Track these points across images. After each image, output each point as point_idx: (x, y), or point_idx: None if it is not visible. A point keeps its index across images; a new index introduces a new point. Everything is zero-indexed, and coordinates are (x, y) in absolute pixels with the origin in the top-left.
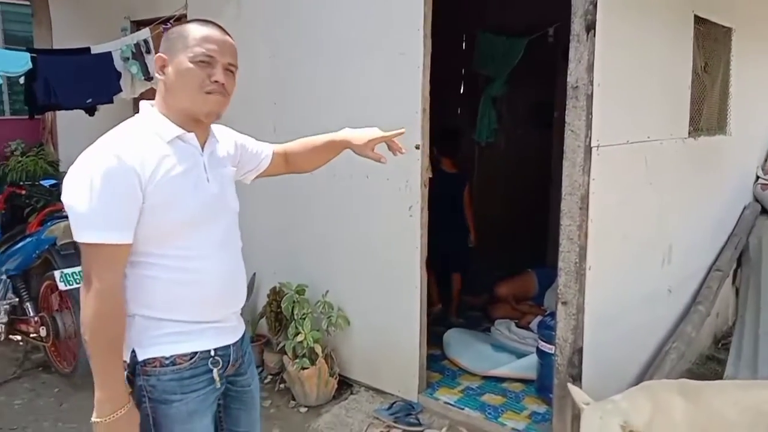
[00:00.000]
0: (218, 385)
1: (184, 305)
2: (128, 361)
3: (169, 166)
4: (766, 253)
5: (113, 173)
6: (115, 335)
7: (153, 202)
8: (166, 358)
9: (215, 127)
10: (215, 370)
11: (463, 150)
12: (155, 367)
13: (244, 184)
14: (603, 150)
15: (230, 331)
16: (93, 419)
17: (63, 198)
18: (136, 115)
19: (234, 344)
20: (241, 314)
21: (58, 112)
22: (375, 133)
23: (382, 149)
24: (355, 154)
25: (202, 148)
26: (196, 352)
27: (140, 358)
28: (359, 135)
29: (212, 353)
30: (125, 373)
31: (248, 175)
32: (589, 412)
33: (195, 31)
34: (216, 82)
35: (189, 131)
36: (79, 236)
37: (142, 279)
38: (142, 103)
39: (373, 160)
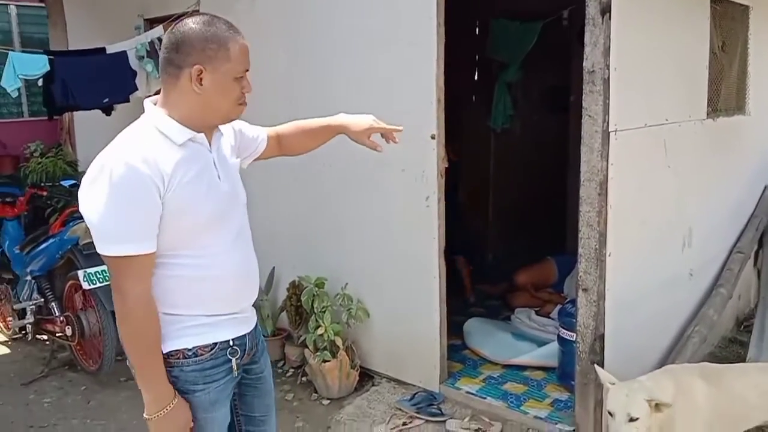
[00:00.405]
0: (235, 374)
1: (204, 301)
2: None
3: (183, 170)
4: None
5: (132, 184)
6: (153, 340)
7: (171, 208)
8: (189, 350)
9: None
10: (233, 360)
11: (479, 136)
12: (178, 359)
13: (260, 178)
14: (621, 134)
15: (245, 321)
16: (144, 416)
17: (82, 210)
18: (143, 116)
19: (249, 333)
20: (262, 308)
21: (75, 113)
22: (370, 120)
23: (376, 138)
24: (351, 140)
25: (210, 145)
26: (216, 343)
27: (164, 350)
28: (356, 121)
29: (231, 343)
30: None
31: (246, 161)
32: (616, 390)
33: (237, 43)
34: (245, 93)
35: (199, 131)
36: (105, 249)
37: (163, 279)
38: (147, 103)
39: (368, 147)
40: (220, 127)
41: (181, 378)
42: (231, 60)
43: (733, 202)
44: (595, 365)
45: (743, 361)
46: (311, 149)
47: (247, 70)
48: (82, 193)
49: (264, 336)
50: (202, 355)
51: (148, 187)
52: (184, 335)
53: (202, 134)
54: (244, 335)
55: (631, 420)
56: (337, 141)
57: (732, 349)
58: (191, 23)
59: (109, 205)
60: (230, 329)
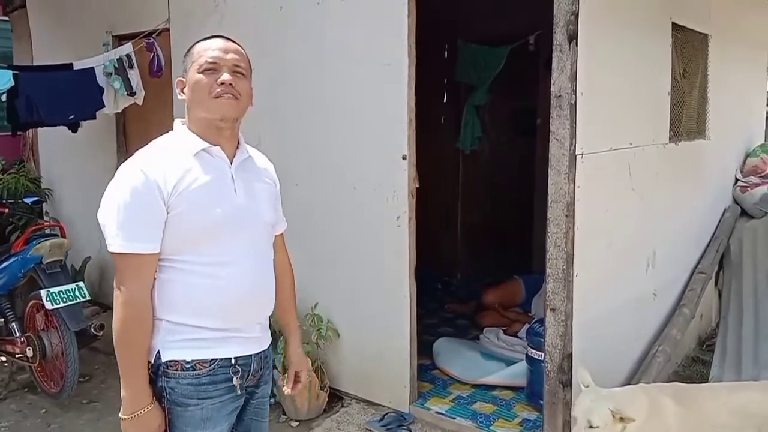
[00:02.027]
0: (239, 392)
1: (204, 311)
2: (152, 361)
3: (192, 178)
4: (747, 254)
5: (139, 188)
6: (141, 341)
7: (176, 212)
8: (187, 363)
9: (257, 154)
10: (235, 378)
11: (448, 158)
12: (176, 370)
13: None
14: (587, 157)
15: (253, 341)
16: (120, 415)
17: (98, 211)
18: (170, 131)
19: (257, 355)
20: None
21: (39, 129)
22: (300, 368)
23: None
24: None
25: (231, 161)
26: (215, 359)
27: (163, 359)
28: (296, 357)
29: (233, 361)
30: (149, 373)
31: None
32: (583, 394)
33: (199, 45)
34: (222, 83)
35: (215, 144)
36: (109, 246)
37: (166, 283)
38: (175, 121)
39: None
40: (258, 158)
41: (177, 390)
42: (193, 58)
43: (695, 224)
44: (579, 367)
45: (706, 379)
46: None
47: (215, 63)
48: (104, 195)
49: None
50: (200, 369)
51: (153, 191)
52: (184, 347)
53: (218, 148)
54: (250, 356)
55: (591, 427)
56: (308, 160)
57: (695, 368)
58: None
59: (117, 204)
60: (234, 347)
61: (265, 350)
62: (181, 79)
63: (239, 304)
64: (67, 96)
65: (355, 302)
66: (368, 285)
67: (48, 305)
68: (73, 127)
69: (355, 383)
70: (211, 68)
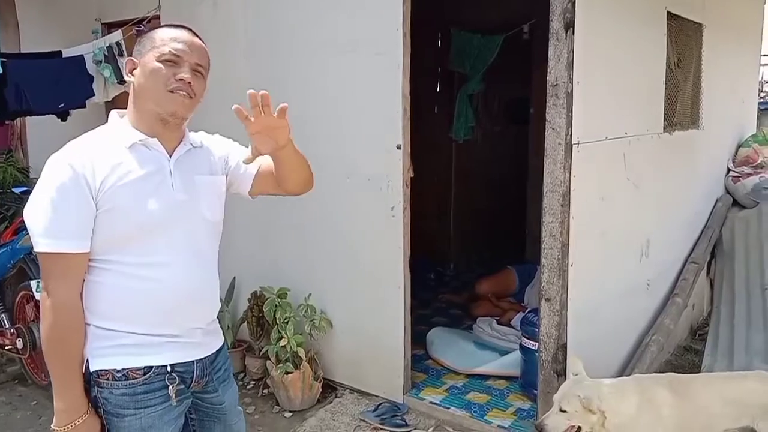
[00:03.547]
0: (174, 402)
1: (137, 315)
2: (83, 370)
3: (123, 172)
4: (739, 244)
5: (65, 183)
6: (72, 347)
7: (106, 209)
8: (118, 371)
9: (201, 135)
10: (171, 387)
11: (441, 147)
12: (107, 379)
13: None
14: (583, 147)
15: (194, 346)
16: (52, 427)
17: (24, 208)
18: (104, 124)
19: (200, 360)
20: (222, 320)
21: (27, 118)
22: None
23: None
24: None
25: (171, 154)
26: (150, 367)
27: (92, 368)
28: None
29: (169, 369)
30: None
31: (240, 188)
32: (567, 382)
33: (163, 32)
34: (181, 80)
35: (153, 136)
36: (35, 245)
37: (95, 286)
38: (111, 113)
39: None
40: (200, 141)
41: (111, 401)
42: (155, 43)
43: (688, 214)
44: (574, 356)
45: (698, 368)
46: (291, 179)
47: (178, 57)
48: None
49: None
50: (134, 378)
51: (81, 186)
52: (114, 354)
53: (155, 140)
54: (191, 362)
55: (562, 411)
56: (302, 150)
57: (687, 357)
58: None
59: (42, 201)
60: (170, 353)
61: (210, 355)
62: (133, 59)
63: (174, 308)
64: (57, 84)
65: (349, 293)
66: (362, 275)
67: (38, 296)
68: (63, 116)
69: (348, 374)
70: (173, 60)
